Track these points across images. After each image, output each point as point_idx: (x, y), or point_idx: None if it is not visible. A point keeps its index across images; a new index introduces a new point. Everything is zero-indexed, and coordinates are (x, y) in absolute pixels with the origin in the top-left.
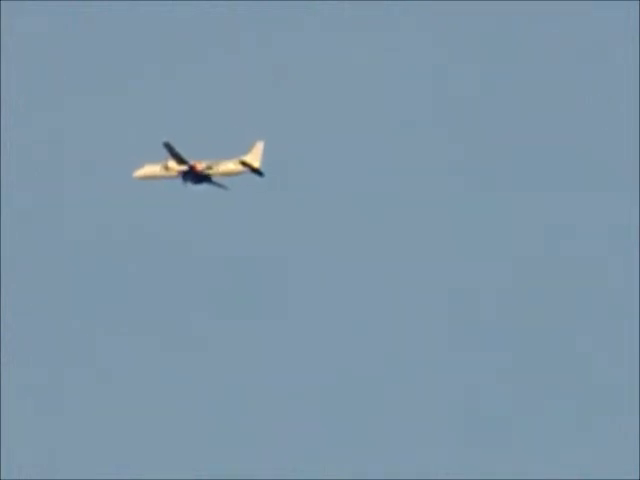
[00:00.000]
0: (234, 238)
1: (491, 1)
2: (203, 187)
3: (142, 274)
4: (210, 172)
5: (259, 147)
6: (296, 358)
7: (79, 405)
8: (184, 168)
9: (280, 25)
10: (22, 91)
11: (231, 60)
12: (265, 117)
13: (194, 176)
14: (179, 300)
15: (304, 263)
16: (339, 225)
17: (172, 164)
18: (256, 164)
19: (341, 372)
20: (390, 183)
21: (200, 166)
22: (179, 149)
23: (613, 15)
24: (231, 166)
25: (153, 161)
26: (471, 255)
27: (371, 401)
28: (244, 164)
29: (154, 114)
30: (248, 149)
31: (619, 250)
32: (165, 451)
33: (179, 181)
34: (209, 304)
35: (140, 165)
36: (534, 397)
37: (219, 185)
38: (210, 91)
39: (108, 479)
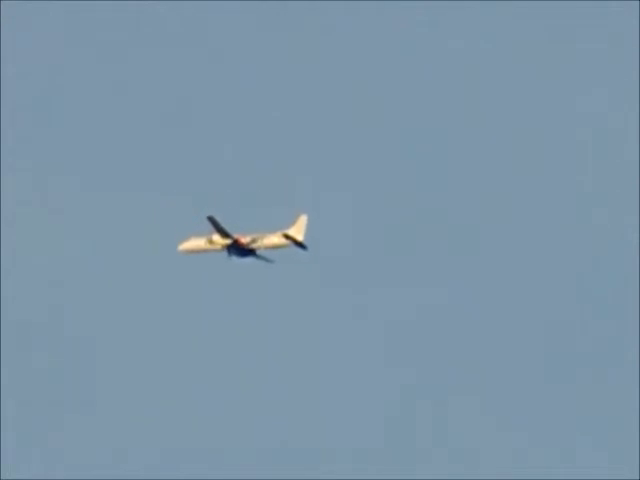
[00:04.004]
0: (279, 311)
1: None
2: (248, 260)
3: (186, 347)
4: (254, 245)
5: (302, 220)
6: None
7: (79, 404)
8: (228, 242)
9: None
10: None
11: (272, 133)
12: (309, 189)
13: (239, 249)
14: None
15: (344, 337)
16: (379, 296)
17: (217, 238)
18: (299, 237)
19: None
20: (423, 254)
21: (244, 240)
22: (223, 223)
23: (613, 15)
24: (275, 239)
25: (198, 234)
26: None
27: None
28: (288, 237)
29: (197, 188)
30: (292, 222)
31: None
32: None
33: (224, 255)
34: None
35: (185, 238)
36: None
37: (264, 258)
38: (253, 164)
39: (108, 479)
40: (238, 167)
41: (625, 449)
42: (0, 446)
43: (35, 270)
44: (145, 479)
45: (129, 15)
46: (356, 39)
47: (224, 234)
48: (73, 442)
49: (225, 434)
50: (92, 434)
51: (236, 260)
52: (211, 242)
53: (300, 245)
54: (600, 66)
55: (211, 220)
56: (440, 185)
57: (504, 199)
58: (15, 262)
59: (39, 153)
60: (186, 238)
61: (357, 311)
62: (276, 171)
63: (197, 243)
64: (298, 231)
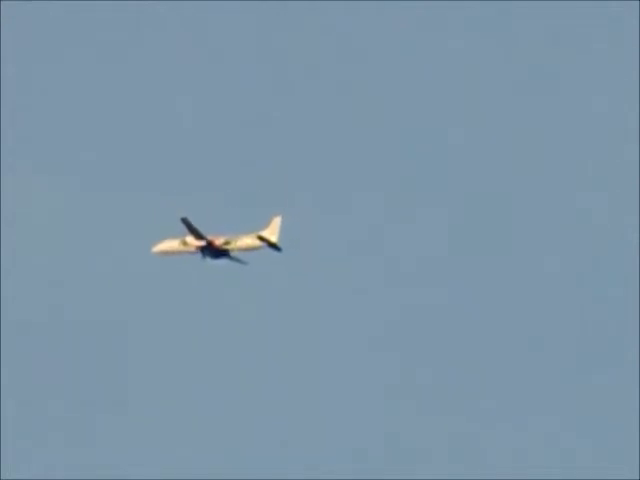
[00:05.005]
0: (253, 313)
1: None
2: (222, 262)
3: (158, 349)
4: (228, 247)
5: (276, 222)
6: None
7: (79, 404)
8: (202, 243)
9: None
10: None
11: (249, 135)
12: (283, 192)
13: (212, 251)
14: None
15: (320, 338)
16: (356, 299)
17: (190, 239)
18: (273, 239)
19: None
20: (402, 256)
21: (218, 241)
22: (197, 224)
23: (613, 15)
24: (249, 241)
25: (172, 236)
26: None
27: None
28: (261, 239)
29: (172, 189)
30: (266, 224)
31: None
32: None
33: (198, 256)
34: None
35: (159, 240)
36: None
37: (238, 260)
38: (227, 166)
39: (108, 479)
40: (216, 168)
41: (625, 449)
42: (0, 446)
43: (35, 270)
44: (144, 479)
45: (129, 15)
46: (356, 39)
47: (198, 236)
48: (73, 442)
49: (211, 435)
50: (91, 434)
51: (210, 262)
52: (185, 244)
53: (274, 246)
54: (600, 66)
55: (185, 222)
56: (437, 185)
57: (504, 199)
58: (15, 262)
59: (39, 153)
60: (161, 239)
61: (331, 312)
62: (254, 172)
63: (171, 245)
64: (272, 233)
